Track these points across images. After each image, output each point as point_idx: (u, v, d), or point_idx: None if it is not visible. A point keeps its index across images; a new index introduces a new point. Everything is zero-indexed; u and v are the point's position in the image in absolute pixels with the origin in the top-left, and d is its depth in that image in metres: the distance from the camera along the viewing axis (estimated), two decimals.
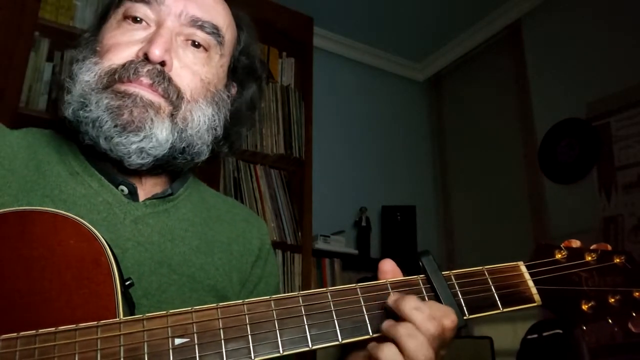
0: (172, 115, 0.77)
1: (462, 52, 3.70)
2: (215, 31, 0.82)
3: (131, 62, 0.75)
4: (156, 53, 0.74)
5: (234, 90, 0.91)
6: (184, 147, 0.79)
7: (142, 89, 0.74)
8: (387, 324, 0.58)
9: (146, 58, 0.75)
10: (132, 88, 0.74)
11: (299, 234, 2.61)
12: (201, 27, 0.81)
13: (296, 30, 2.89)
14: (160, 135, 0.75)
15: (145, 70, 0.74)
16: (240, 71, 0.91)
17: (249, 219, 0.96)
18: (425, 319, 0.56)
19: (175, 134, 0.77)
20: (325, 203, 3.05)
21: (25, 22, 2.10)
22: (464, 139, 3.67)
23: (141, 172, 0.81)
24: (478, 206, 3.42)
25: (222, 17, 0.85)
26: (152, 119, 0.74)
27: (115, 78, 0.74)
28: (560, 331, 2.18)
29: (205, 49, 0.82)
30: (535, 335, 2.26)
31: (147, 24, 0.79)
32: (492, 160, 3.38)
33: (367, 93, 3.74)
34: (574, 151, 2.84)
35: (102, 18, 0.84)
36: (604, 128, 2.72)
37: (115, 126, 0.72)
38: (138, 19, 0.79)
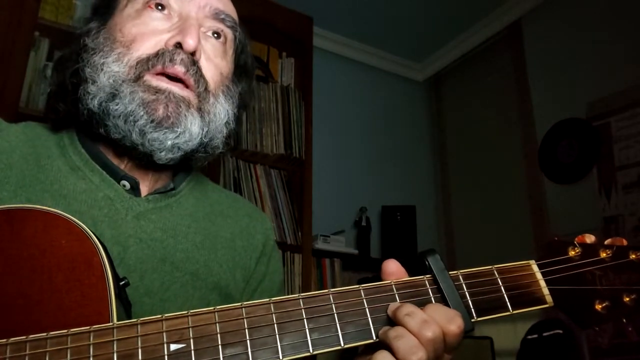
0: (200, 110, 0.77)
1: (462, 52, 3.70)
2: (234, 25, 0.84)
3: (163, 50, 0.75)
4: (190, 43, 0.75)
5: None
6: (207, 142, 0.79)
7: (173, 85, 0.74)
8: (381, 331, 0.57)
9: (178, 47, 0.75)
10: (163, 84, 0.74)
11: (299, 234, 2.61)
12: (223, 20, 0.82)
13: (296, 30, 2.89)
14: (193, 130, 0.75)
15: (179, 58, 0.75)
16: (238, 69, 0.91)
17: (252, 214, 0.95)
18: (418, 323, 0.54)
19: (205, 128, 0.78)
20: (325, 203, 3.05)
21: (25, 22, 2.09)
22: (464, 139, 3.67)
23: (150, 168, 0.80)
24: (478, 206, 3.42)
25: (235, 13, 0.87)
26: (185, 115, 0.74)
27: (148, 66, 0.74)
28: (561, 331, 2.18)
29: (223, 42, 0.83)
30: (536, 336, 2.26)
31: (170, 13, 0.79)
32: (492, 160, 3.38)
33: (367, 93, 3.73)
34: (574, 151, 2.84)
35: (108, 7, 0.82)
36: (604, 128, 2.71)
37: (152, 121, 0.72)
38: (160, 7, 0.78)
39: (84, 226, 0.59)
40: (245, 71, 0.93)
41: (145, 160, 0.78)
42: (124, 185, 0.77)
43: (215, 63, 0.81)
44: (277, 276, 0.94)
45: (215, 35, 0.82)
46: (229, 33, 0.84)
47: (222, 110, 0.81)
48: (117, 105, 0.72)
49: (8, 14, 2.06)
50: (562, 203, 2.85)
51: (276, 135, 2.68)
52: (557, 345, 2.17)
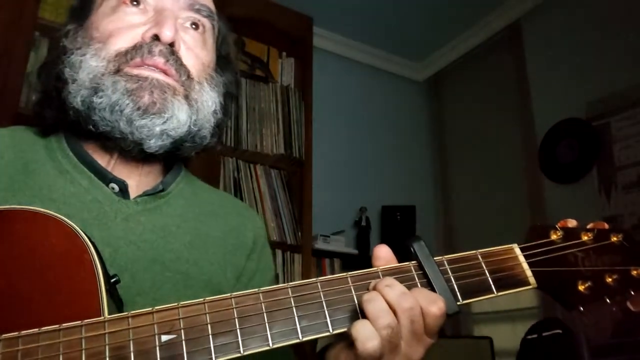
0: (187, 97, 0.78)
1: (462, 52, 3.70)
2: (210, 14, 0.85)
3: (141, 43, 0.75)
4: (167, 34, 0.75)
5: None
6: (195, 131, 0.79)
7: (154, 73, 0.74)
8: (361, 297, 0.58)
9: (155, 39, 0.76)
10: (145, 72, 0.74)
11: (299, 234, 2.61)
12: (198, 11, 0.83)
13: (296, 30, 2.89)
14: (181, 116, 0.76)
15: (158, 49, 0.75)
16: (221, 60, 0.91)
17: (243, 213, 0.95)
18: (397, 294, 0.56)
19: (193, 115, 0.78)
20: (325, 203, 3.05)
21: (25, 22, 2.11)
22: (464, 139, 3.67)
23: (140, 161, 0.80)
24: (478, 206, 3.42)
25: (211, 3, 0.88)
26: (171, 100, 0.74)
27: (126, 59, 0.74)
28: (560, 331, 2.18)
29: (202, 32, 0.84)
30: (535, 335, 2.26)
31: (145, 7, 0.80)
32: (492, 160, 3.38)
33: (367, 93, 3.74)
34: (574, 151, 2.83)
35: (84, 8, 0.83)
36: (604, 128, 2.71)
37: (138, 109, 0.72)
38: (135, 2, 0.79)
39: (73, 225, 0.60)
40: (228, 62, 0.93)
41: (135, 151, 0.78)
42: (113, 188, 0.77)
43: (195, 53, 0.82)
44: (268, 273, 0.94)
45: (194, 26, 0.83)
46: (206, 22, 0.85)
47: (208, 98, 0.82)
48: (100, 98, 0.72)
49: (8, 14, 2.07)
50: (562, 203, 2.85)
51: (276, 135, 2.69)
52: (557, 345, 2.17)
